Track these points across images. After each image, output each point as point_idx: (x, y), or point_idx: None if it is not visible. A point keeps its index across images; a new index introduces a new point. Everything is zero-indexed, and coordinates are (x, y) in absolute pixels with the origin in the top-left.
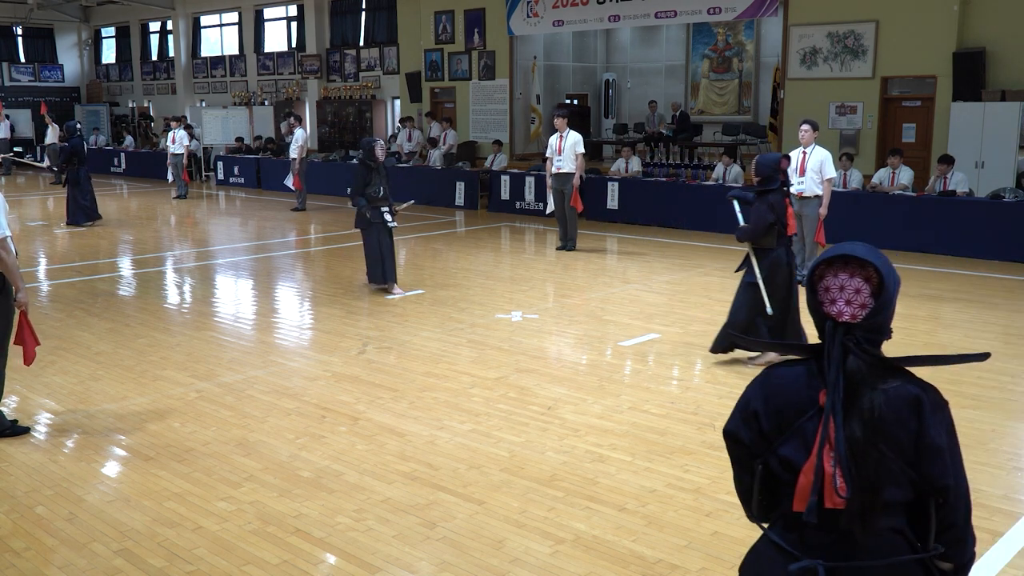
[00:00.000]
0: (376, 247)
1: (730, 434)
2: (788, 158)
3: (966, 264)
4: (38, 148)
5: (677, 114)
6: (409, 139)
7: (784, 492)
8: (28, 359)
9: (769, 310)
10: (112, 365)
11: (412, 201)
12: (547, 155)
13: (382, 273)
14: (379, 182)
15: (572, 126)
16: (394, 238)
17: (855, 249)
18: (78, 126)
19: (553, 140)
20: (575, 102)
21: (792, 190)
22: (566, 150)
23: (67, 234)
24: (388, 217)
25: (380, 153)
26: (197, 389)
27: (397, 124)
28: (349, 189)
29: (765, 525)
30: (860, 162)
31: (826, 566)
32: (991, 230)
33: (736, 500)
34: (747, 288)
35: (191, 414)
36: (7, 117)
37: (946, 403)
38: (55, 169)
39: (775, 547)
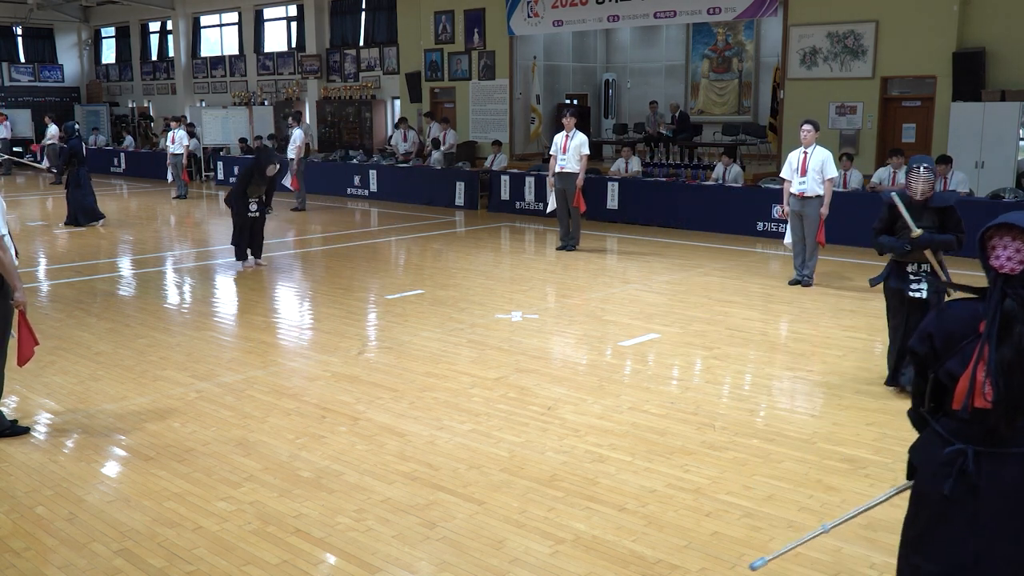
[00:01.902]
0: (238, 227)
1: (910, 349)
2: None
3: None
4: (38, 148)
5: (676, 114)
6: (404, 140)
7: (946, 397)
8: (22, 360)
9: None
10: (112, 365)
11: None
12: (551, 152)
13: (241, 250)
14: (259, 182)
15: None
16: (264, 221)
17: (1018, 219)
18: (77, 127)
19: (559, 138)
20: (575, 102)
21: (793, 190)
22: (571, 150)
23: (67, 234)
24: (253, 207)
25: (270, 172)
26: (197, 389)
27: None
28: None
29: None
30: (860, 162)
31: (975, 449)
32: None
33: (735, 500)
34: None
35: (191, 414)
36: (4, 116)
37: None
38: (54, 171)
39: (937, 435)
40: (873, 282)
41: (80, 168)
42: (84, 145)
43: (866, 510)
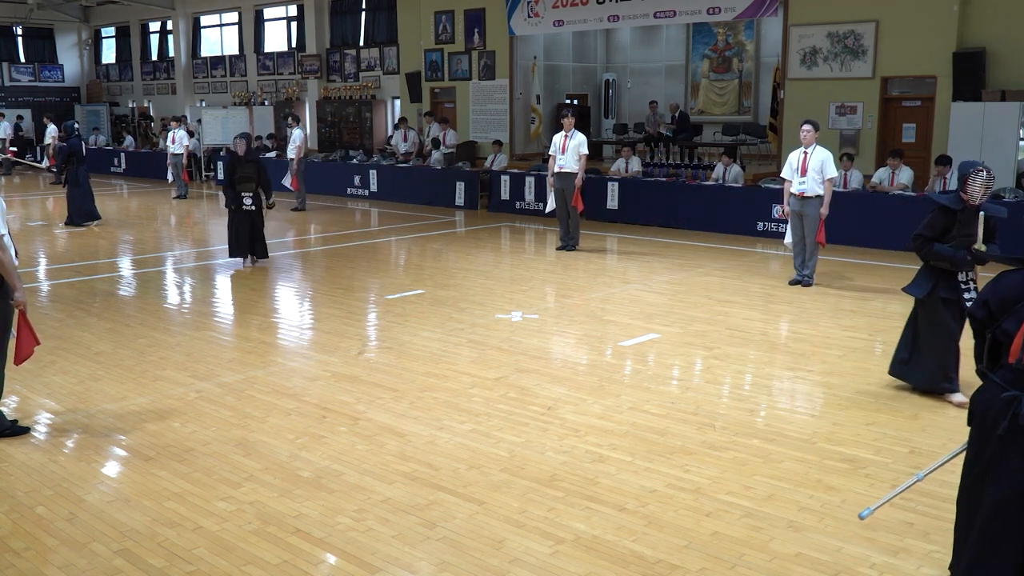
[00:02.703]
0: (234, 226)
1: (970, 313)
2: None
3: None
4: (38, 148)
5: (676, 114)
6: (405, 139)
7: (1002, 352)
8: (18, 359)
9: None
10: (112, 365)
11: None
12: (550, 152)
13: (238, 249)
14: (243, 170)
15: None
16: (263, 218)
17: None
18: (76, 126)
19: (557, 139)
20: (575, 102)
21: (793, 190)
22: (570, 150)
23: (67, 234)
24: (247, 201)
25: (239, 149)
26: (197, 389)
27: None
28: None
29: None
30: (860, 162)
31: None
32: None
33: (735, 500)
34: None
35: (191, 414)
36: (21, 117)
37: None
38: (54, 170)
39: (996, 385)
40: (914, 292)
41: (79, 168)
42: (84, 145)
43: (947, 461)
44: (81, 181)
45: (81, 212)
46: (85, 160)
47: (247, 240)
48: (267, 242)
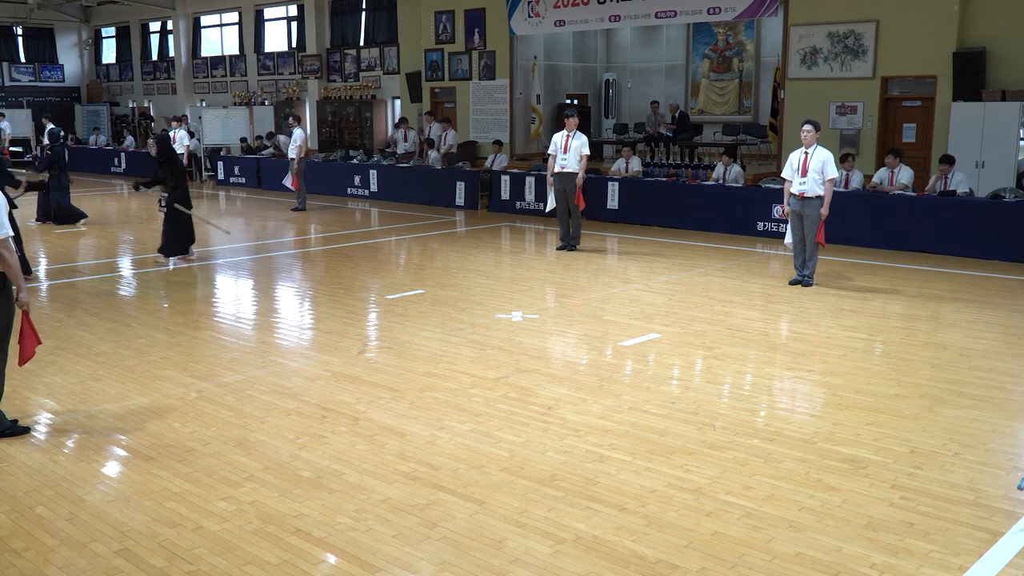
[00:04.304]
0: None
1: None
2: None
3: (966, 264)
4: (37, 148)
5: (676, 114)
6: (405, 139)
7: None
8: (23, 359)
9: None
10: (112, 365)
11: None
12: (550, 152)
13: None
14: (159, 172)
15: None
16: (171, 217)
17: None
18: (61, 133)
19: (558, 138)
20: (575, 102)
21: (793, 190)
22: (572, 150)
23: (67, 234)
24: (162, 202)
25: (152, 151)
26: (197, 389)
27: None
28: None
29: None
30: (860, 162)
31: None
32: (991, 230)
33: (735, 500)
34: None
35: (191, 414)
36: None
37: None
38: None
39: None
40: None
41: (61, 173)
42: (67, 152)
43: None
44: (63, 184)
45: (61, 213)
46: (67, 167)
47: (167, 235)
48: (266, 242)
